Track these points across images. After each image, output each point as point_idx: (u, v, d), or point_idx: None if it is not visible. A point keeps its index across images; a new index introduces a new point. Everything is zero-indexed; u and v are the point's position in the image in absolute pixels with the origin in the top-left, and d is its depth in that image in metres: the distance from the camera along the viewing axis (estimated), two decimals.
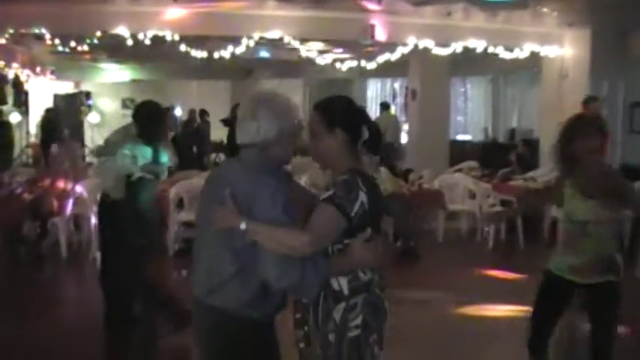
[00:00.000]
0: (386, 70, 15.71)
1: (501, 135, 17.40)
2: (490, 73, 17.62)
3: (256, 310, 2.88)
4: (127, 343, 6.02)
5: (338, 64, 13.75)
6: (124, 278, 5.94)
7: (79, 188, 9.45)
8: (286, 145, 2.96)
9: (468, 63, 14.68)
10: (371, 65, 13.64)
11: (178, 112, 20.43)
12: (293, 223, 2.78)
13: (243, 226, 2.72)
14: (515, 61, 12.45)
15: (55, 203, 9.10)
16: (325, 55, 12.98)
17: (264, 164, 2.90)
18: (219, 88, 21.97)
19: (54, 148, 10.00)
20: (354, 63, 14.02)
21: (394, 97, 20.38)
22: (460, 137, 18.00)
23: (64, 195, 9.25)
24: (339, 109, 2.98)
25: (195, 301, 3.01)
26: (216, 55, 12.39)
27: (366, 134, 2.98)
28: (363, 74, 17.94)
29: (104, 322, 6.07)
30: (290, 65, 17.70)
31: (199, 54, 12.30)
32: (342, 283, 2.86)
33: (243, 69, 19.88)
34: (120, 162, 5.65)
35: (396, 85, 20.32)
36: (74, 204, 9.41)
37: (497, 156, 13.71)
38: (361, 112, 3.05)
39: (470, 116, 18.96)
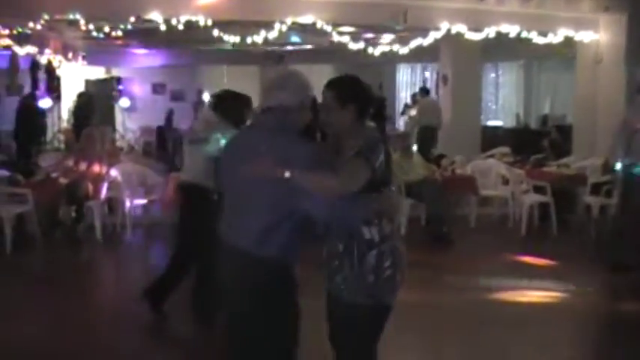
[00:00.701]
0: (416, 56, 15.62)
1: (533, 121, 17.24)
2: (522, 59, 17.45)
3: (286, 253, 3.36)
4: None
5: (370, 49, 13.65)
6: (199, 268, 5.97)
7: (113, 172, 9.57)
8: (302, 113, 3.46)
9: (500, 48, 14.55)
10: (403, 50, 13.54)
11: (206, 97, 20.47)
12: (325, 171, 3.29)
13: (287, 174, 3.15)
14: (548, 46, 12.29)
15: (91, 187, 9.21)
16: (358, 41, 12.90)
17: (284, 128, 3.39)
18: (248, 73, 21.99)
19: (86, 132, 10.07)
20: (386, 48, 13.92)
21: (424, 82, 20.30)
22: (491, 123, 17.87)
23: (99, 179, 9.36)
24: (351, 87, 3.43)
25: (227, 250, 3.44)
26: (248, 40, 12.36)
27: (372, 109, 3.48)
28: (393, 59, 17.84)
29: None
30: (320, 51, 17.66)
31: (232, 39, 12.27)
32: (372, 233, 3.34)
33: (274, 54, 19.86)
34: (215, 146, 5.66)
35: (427, 71, 20.21)
36: (108, 188, 9.53)
37: (530, 142, 13.62)
38: (369, 90, 3.51)
39: (501, 102, 18.82)
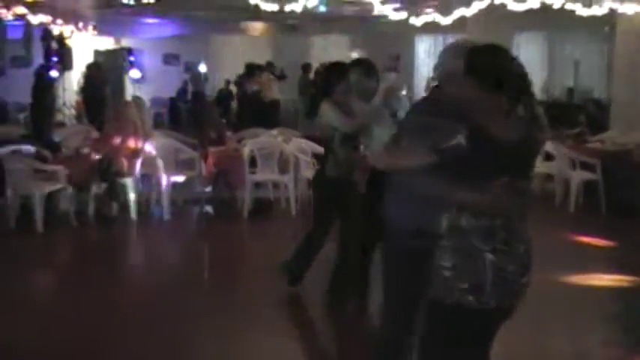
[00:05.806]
0: (437, 27, 15.10)
1: (558, 94, 16.82)
2: (545, 30, 17.00)
3: None
4: None
5: (412, 19, 13.13)
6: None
7: (148, 147, 9.13)
8: None
9: (522, 18, 14.02)
10: (446, 21, 13.01)
11: (203, 68, 20.02)
12: None
13: None
14: (573, 17, 11.86)
15: (125, 163, 8.79)
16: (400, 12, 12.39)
17: None
18: (262, 43, 21.53)
19: (122, 104, 9.63)
20: (429, 18, 13.40)
21: None
22: None
23: (134, 154, 8.92)
24: None
25: None
26: (287, 8, 11.81)
27: None
28: (412, 31, 17.29)
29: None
30: (337, 21, 17.22)
31: (270, 7, 11.73)
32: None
33: (286, 25, 19.41)
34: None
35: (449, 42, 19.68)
36: (142, 163, 9.09)
37: (559, 116, 13.19)
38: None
39: None
